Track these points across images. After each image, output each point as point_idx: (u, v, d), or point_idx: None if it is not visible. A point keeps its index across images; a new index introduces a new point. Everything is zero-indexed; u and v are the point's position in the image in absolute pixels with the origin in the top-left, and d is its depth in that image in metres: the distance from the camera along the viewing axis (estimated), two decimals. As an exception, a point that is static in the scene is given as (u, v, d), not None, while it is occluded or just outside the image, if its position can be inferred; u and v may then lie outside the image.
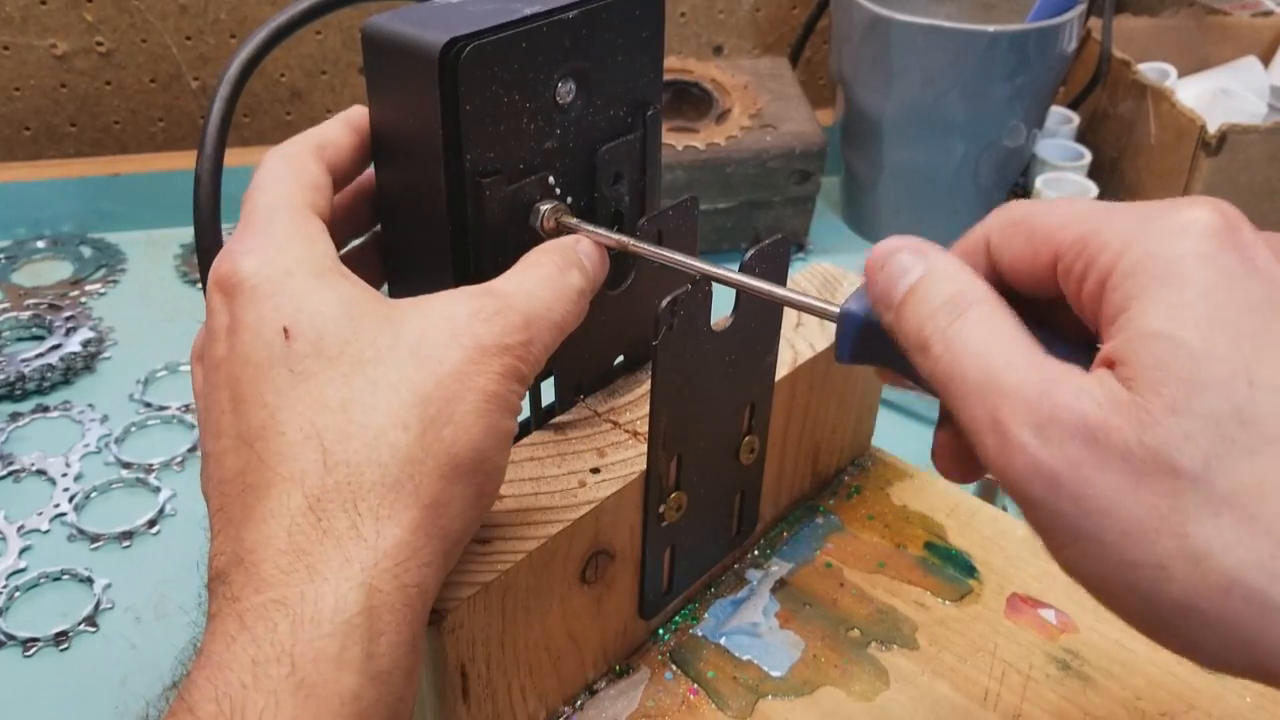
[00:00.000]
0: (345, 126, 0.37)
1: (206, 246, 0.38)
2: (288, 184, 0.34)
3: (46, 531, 0.60)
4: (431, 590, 0.29)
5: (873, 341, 0.30)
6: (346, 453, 0.28)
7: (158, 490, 0.63)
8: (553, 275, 0.34)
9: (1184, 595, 0.23)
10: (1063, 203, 0.28)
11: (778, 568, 0.49)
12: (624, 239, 0.37)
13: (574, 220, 0.38)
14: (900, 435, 0.58)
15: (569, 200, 0.39)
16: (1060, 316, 0.28)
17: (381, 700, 0.27)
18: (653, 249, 0.37)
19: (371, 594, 0.27)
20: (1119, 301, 0.25)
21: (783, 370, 0.44)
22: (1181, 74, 0.92)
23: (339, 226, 0.38)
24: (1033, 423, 0.24)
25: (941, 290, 0.27)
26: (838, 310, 0.31)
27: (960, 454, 0.30)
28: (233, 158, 0.39)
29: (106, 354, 0.74)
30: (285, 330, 0.30)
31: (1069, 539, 0.24)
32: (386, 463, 0.28)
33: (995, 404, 0.25)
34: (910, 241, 0.29)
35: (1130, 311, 0.24)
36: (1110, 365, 0.24)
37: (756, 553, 0.50)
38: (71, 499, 0.62)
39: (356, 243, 0.40)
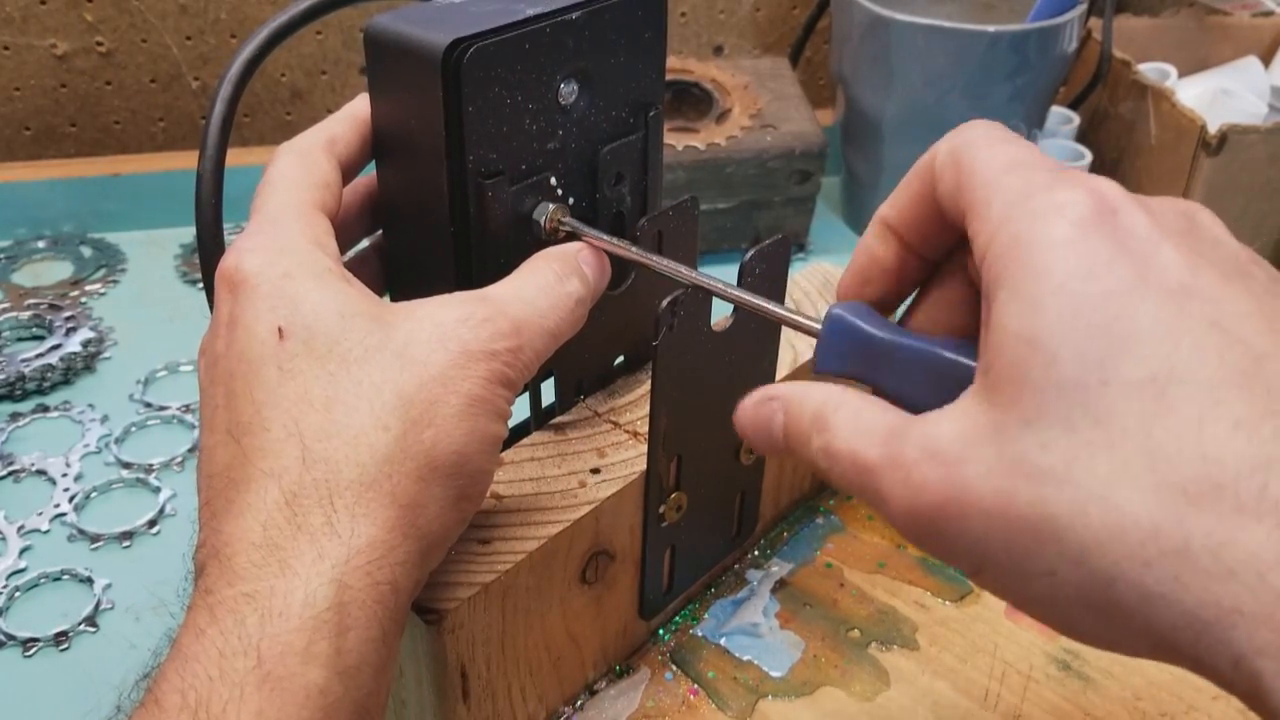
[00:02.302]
0: (352, 120, 0.37)
1: (208, 246, 0.38)
2: (297, 182, 0.34)
3: (46, 531, 0.60)
4: (405, 589, 0.29)
5: (851, 357, 0.30)
6: (326, 450, 0.29)
7: (158, 490, 0.63)
8: (551, 283, 0.35)
9: (1078, 595, 0.23)
10: (994, 145, 0.27)
11: (778, 568, 0.49)
12: (620, 245, 0.37)
13: (573, 223, 0.38)
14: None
15: (570, 201, 0.39)
16: None
17: (349, 696, 0.27)
18: (649, 257, 0.37)
19: (342, 590, 0.27)
20: (989, 284, 0.25)
21: (783, 370, 0.44)
22: (1182, 74, 0.92)
23: (349, 224, 0.38)
24: (901, 479, 0.25)
25: (805, 413, 0.28)
26: (819, 328, 0.31)
27: None
28: (234, 157, 0.39)
29: (107, 354, 0.74)
30: (279, 330, 0.30)
31: (973, 570, 0.25)
32: (365, 462, 0.29)
33: (875, 486, 0.26)
34: (758, 394, 0.31)
35: (996, 302, 0.25)
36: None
37: (757, 553, 0.50)
38: (72, 499, 0.62)
39: (360, 246, 0.40)
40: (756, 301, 0.34)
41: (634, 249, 0.38)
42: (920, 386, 0.29)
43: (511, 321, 0.32)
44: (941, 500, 0.24)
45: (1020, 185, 0.25)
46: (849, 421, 0.27)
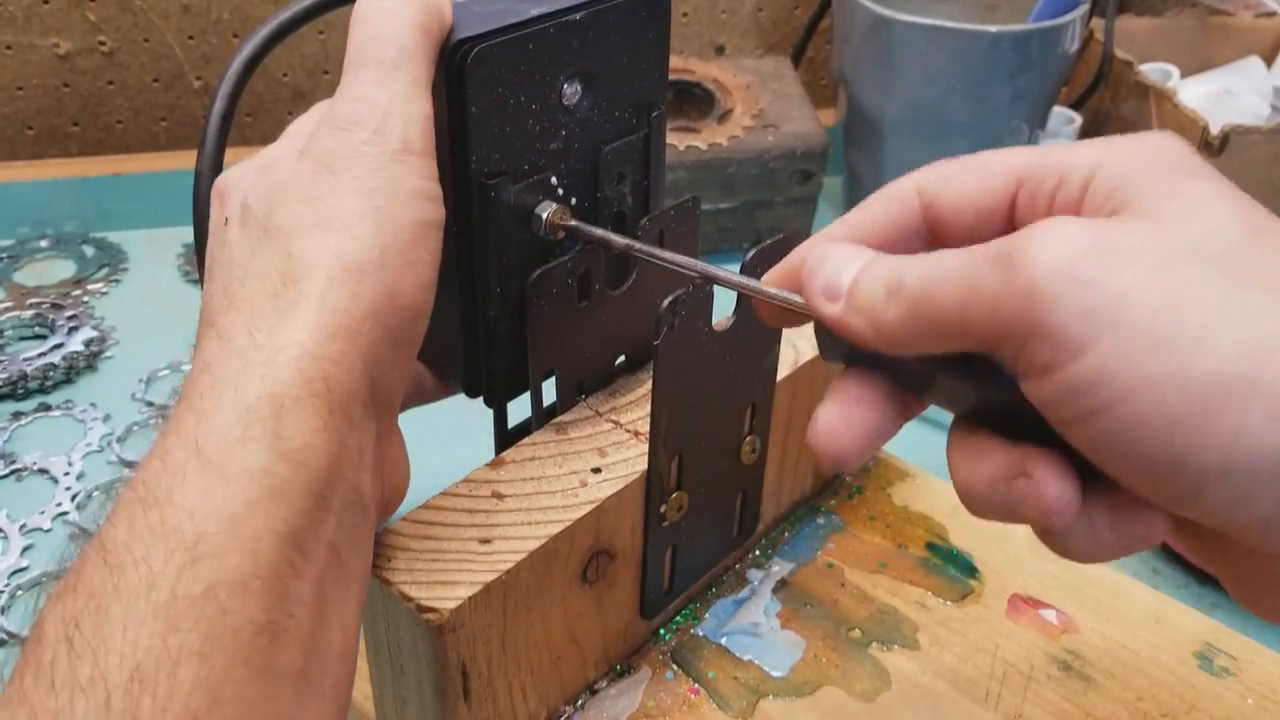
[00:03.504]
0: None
1: (205, 243, 0.38)
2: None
3: (49, 530, 0.60)
4: (341, 385, 0.30)
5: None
6: (244, 292, 0.31)
7: (160, 489, 0.63)
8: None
9: (1222, 363, 0.22)
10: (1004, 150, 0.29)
11: (779, 568, 0.49)
12: (629, 242, 0.38)
13: (575, 223, 0.38)
14: (902, 436, 0.57)
15: (572, 201, 0.39)
16: None
17: (299, 478, 0.28)
18: (656, 251, 0.37)
19: (270, 384, 0.29)
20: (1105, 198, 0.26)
21: (784, 371, 0.44)
22: (1184, 75, 0.92)
23: None
24: (1043, 242, 0.24)
25: (877, 279, 0.28)
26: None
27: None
28: (235, 156, 0.39)
29: (109, 353, 0.74)
30: (225, 219, 0.34)
31: (1093, 337, 0.23)
32: (276, 289, 0.30)
33: (1009, 276, 0.24)
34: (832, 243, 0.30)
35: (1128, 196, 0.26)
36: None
37: (758, 553, 0.50)
38: (74, 498, 0.62)
39: None
40: (760, 287, 0.33)
41: (636, 244, 0.37)
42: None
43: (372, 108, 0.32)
44: (1094, 259, 0.24)
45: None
46: (924, 262, 0.27)
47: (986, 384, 0.27)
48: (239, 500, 0.27)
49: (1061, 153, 0.28)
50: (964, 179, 0.29)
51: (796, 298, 0.33)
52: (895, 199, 0.30)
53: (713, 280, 0.36)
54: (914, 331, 0.27)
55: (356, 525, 0.30)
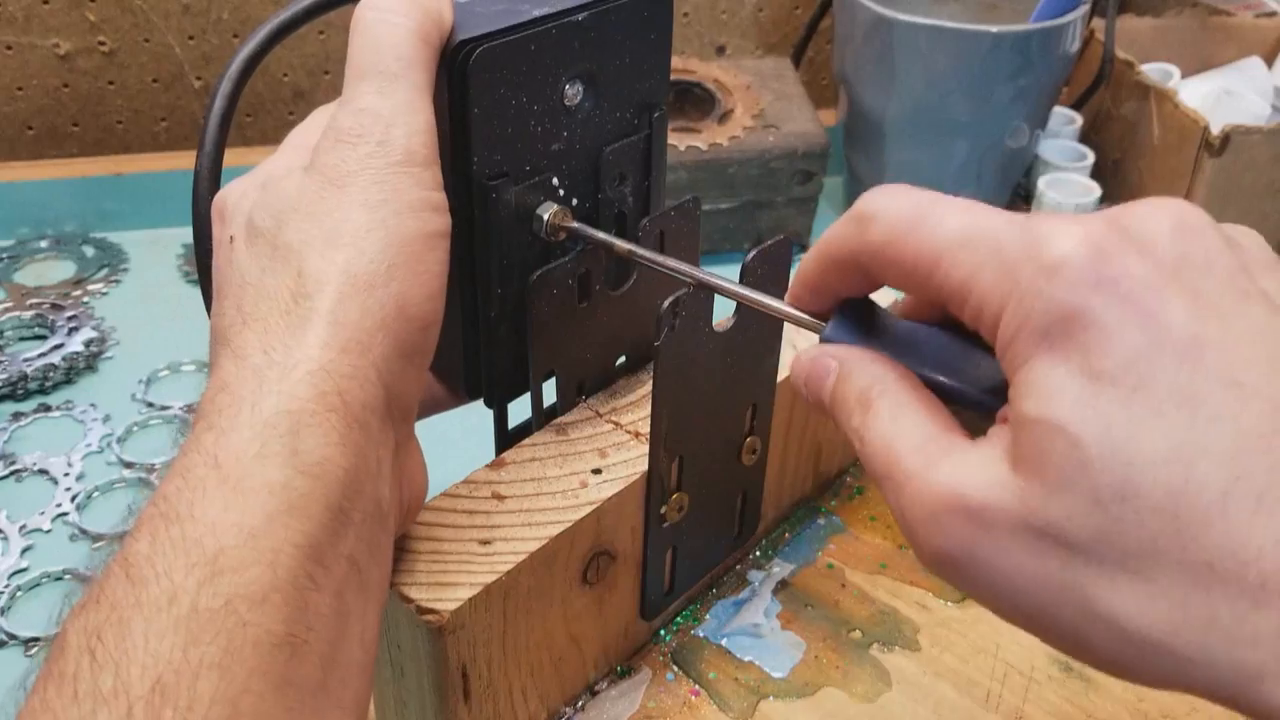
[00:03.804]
0: None
1: (205, 244, 0.38)
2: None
3: (48, 531, 0.60)
4: (357, 399, 0.30)
5: None
6: (258, 311, 0.31)
7: (160, 490, 0.63)
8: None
9: (1108, 654, 0.24)
10: (952, 212, 0.27)
11: (779, 569, 0.49)
12: (631, 247, 0.38)
13: (576, 225, 0.38)
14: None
15: (573, 201, 0.39)
16: None
17: (317, 492, 0.28)
18: (657, 257, 0.37)
19: (288, 400, 0.29)
20: (1009, 362, 0.25)
21: (785, 371, 0.44)
22: (1185, 75, 0.92)
23: None
24: (924, 509, 0.26)
25: (854, 387, 0.29)
26: (824, 330, 0.31)
27: None
28: (235, 157, 0.39)
29: (109, 353, 0.74)
30: (230, 238, 0.34)
31: (993, 610, 0.25)
32: (288, 307, 0.30)
33: (896, 494, 0.27)
34: (818, 349, 0.31)
35: (1016, 379, 0.25)
36: (1006, 423, 0.25)
37: (758, 553, 0.50)
38: (74, 498, 0.62)
39: None
40: (759, 298, 0.34)
41: (638, 249, 0.38)
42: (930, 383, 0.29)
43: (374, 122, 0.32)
44: (967, 542, 0.25)
45: (1017, 243, 0.25)
46: (888, 412, 0.28)
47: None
48: (258, 514, 0.27)
49: (971, 276, 0.26)
50: (907, 255, 0.27)
51: (787, 308, 0.33)
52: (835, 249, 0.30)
53: (711, 289, 0.35)
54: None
55: (375, 537, 0.30)
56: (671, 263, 0.36)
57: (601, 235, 0.38)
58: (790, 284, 0.33)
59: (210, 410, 0.29)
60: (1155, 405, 0.23)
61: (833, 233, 0.30)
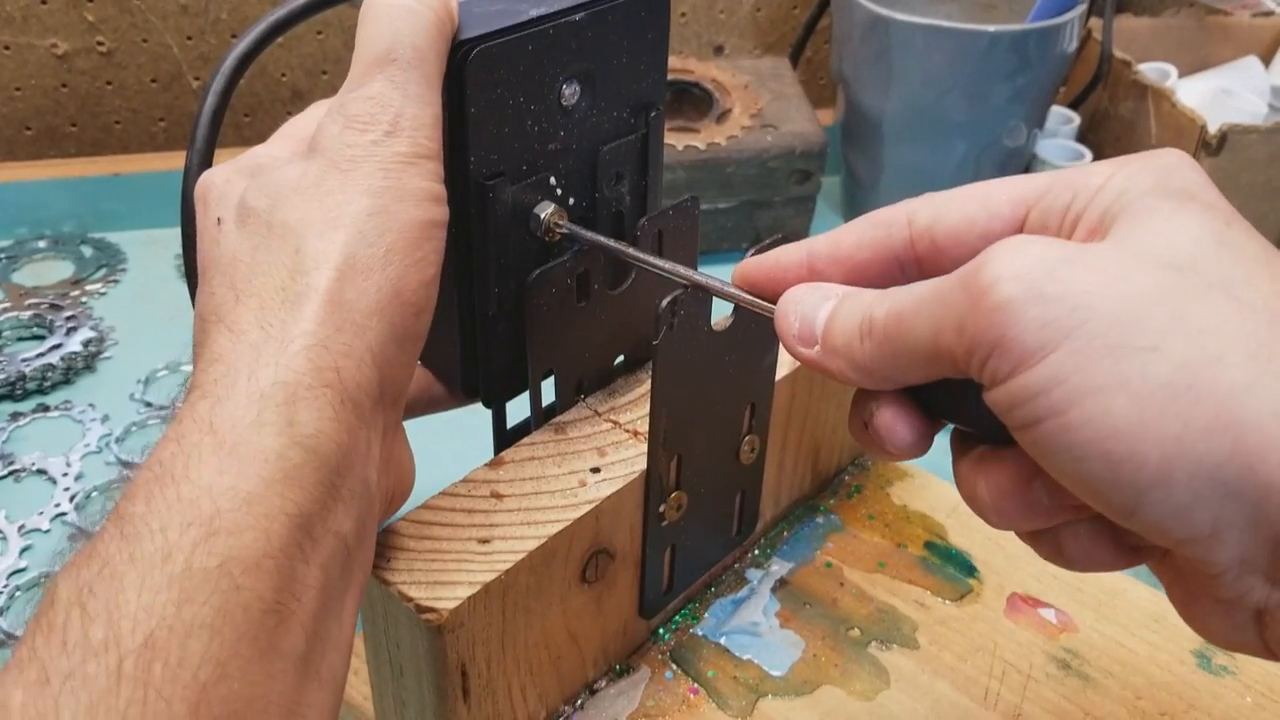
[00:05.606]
0: None
1: (194, 240, 0.38)
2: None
3: (47, 531, 0.60)
4: (352, 377, 0.30)
5: None
6: (252, 287, 0.31)
7: (158, 490, 0.63)
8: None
9: (1173, 372, 0.23)
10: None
11: (778, 567, 0.49)
12: (624, 249, 0.38)
13: (571, 227, 0.38)
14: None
15: (570, 201, 0.39)
16: None
17: (311, 464, 0.28)
18: (652, 260, 0.37)
19: (284, 371, 0.29)
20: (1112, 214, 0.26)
21: (783, 370, 0.44)
22: (1182, 74, 0.92)
23: None
24: (1004, 260, 0.25)
25: (863, 298, 0.29)
26: None
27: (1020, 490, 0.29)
28: (229, 155, 0.39)
29: (107, 353, 0.74)
30: (218, 220, 0.34)
31: (1050, 347, 0.24)
32: (285, 283, 0.31)
33: (958, 288, 0.25)
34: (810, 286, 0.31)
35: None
36: None
37: (757, 552, 0.50)
38: (72, 498, 0.62)
39: None
40: (754, 300, 0.34)
41: (632, 250, 0.38)
42: None
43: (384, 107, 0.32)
44: (1054, 265, 0.24)
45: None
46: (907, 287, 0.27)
47: (965, 401, 0.27)
48: (254, 480, 0.27)
49: (1068, 176, 0.28)
50: (966, 206, 0.29)
51: (764, 305, 0.33)
52: (883, 224, 0.31)
53: (707, 291, 0.35)
54: (891, 365, 0.28)
55: (362, 517, 0.31)
56: (667, 264, 0.36)
57: (597, 238, 0.38)
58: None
59: (204, 380, 0.29)
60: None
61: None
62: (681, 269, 0.36)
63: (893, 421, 0.29)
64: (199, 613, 0.25)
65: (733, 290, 0.34)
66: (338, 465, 0.29)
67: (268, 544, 0.27)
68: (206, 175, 0.35)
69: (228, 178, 0.34)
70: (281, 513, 0.27)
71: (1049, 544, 0.29)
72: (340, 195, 0.31)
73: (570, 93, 0.38)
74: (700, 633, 0.46)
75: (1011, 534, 0.51)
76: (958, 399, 0.28)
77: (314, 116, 0.35)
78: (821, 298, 0.30)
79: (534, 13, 0.36)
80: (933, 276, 0.27)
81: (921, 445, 0.29)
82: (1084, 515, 0.27)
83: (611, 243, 0.38)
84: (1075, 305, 0.24)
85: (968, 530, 0.50)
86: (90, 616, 0.25)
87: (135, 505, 0.27)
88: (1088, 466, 0.24)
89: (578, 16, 0.36)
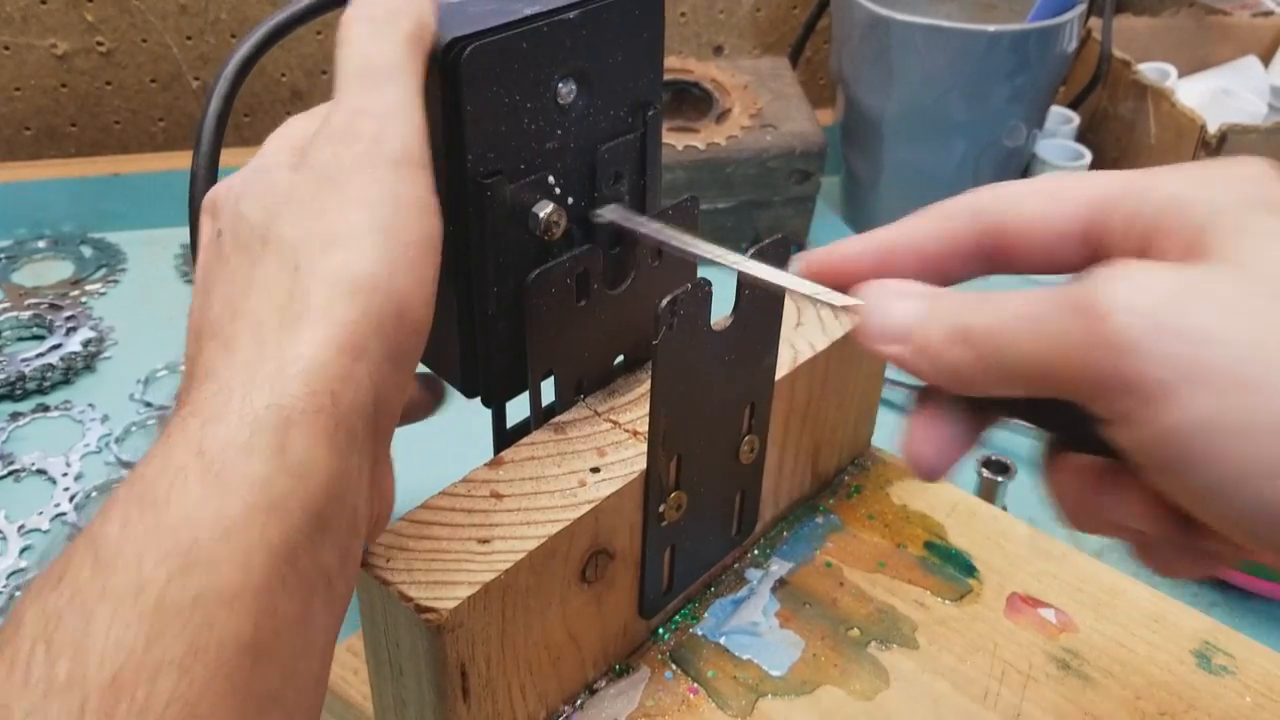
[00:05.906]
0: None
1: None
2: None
3: (47, 531, 0.60)
4: (347, 401, 0.29)
5: None
6: (247, 306, 0.30)
7: (158, 490, 0.63)
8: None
9: None
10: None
11: (778, 567, 0.49)
12: (661, 230, 0.38)
13: (631, 214, 0.39)
14: (900, 435, 0.58)
15: (569, 200, 0.39)
16: None
17: (298, 494, 0.28)
18: (687, 239, 0.37)
19: (278, 394, 0.28)
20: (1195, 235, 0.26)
21: (783, 370, 0.44)
22: (1182, 74, 0.92)
23: None
24: (1124, 290, 0.24)
25: (954, 301, 0.28)
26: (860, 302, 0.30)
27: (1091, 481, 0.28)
28: (233, 157, 0.39)
29: (107, 354, 0.74)
30: (219, 232, 0.34)
31: (1180, 385, 0.23)
32: (282, 304, 0.30)
33: (1071, 314, 0.25)
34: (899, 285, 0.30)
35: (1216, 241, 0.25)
36: None
37: (756, 552, 0.50)
38: (72, 499, 0.62)
39: None
40: (832, 294, 0.32)
41: (655, 225, 0.38)
42: None
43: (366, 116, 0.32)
44: (1167, 297, 0.24)
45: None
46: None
47: (1062, 419, 0.27)
48: (238, 508, 0.26)
49: (1144, 180, 0.27)
50: (1034, 203, 0.29)
51: (817, 289, 0.32)
52: (949, 216, 0.30)
53: (783, 289, 0.34)
54: (985, 377, 0.27)
55: (349, 548, 0.30)
56: (700, 245, 0.36)
57: (639, 216, 0.38)
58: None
59: (196, 398, 0.29)
60: None
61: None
62: (754, 265, 0.35)
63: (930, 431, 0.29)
64: (169, 650, 0.25)
65: (809, 286, 0.33)
66: (327, 494, 0.28)
67: (246, 577, 0.26)
68: (214, 189, 0.35)
69: (229, 188, 0.34)
70: (263, 544, 0.27)
71: (1140, 548, 0.29)
72: (336, 211, 0.31)
73: (566, 91, 0.38)
74: (700, 633, 0.46)
75: (1011, 534, 0.51)
76: (1052, 412, 0.27)
77: (298, 129, 0.35)
78: (910, 294, 0.29)
79: (528, 11, 0.36)
80: (998, 272, 0.28)
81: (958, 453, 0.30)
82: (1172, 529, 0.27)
83: (687, 240, 0.38)
84: (1201, 340, 0.23)
85: (967, 530, 0.50)
86: (56, 651, 0.24)
87: (111, 527, 0.26)
88: (1238, 508, 0.23)
89: (571, 15, 0.36)
